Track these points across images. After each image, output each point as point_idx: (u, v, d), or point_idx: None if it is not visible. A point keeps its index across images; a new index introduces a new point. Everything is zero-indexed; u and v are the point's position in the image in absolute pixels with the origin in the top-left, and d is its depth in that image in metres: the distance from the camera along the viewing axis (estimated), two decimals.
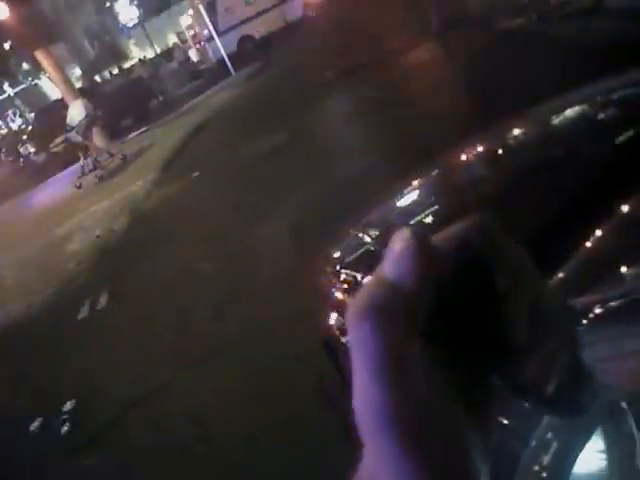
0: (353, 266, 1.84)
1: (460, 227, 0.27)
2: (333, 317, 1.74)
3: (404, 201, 2.14)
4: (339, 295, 1.78)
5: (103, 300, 5.51)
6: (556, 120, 2.04)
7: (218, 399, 3.16)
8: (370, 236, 1.88)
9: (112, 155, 12.21)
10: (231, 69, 16.22)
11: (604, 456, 1.11)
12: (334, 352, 1.72)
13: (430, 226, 1.80)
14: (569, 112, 2.00)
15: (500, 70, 5.35)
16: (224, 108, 12.25)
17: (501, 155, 2.11)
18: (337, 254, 1.96)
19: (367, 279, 1.82)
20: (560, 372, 0.27)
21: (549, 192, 1.60)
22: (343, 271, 1.83)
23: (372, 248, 1.82)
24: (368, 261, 1.80)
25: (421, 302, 0.25)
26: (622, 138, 1.74)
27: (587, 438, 1.07)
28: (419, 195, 2.18)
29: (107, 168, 11.68)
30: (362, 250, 1.88)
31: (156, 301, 4.87)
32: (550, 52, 5.20)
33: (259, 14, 18.81)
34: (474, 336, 0.26)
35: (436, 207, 2.00)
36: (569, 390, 0.27)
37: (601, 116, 1.93)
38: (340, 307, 1.74)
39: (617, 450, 1.11)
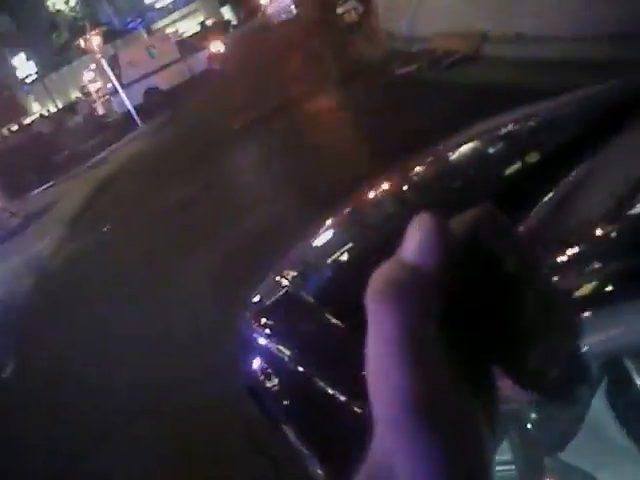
0: (273, 310, 1.85)
1: (470, 214, 0.27)
2: (256, 362, 1.72)
3: (319, 241, 2.19)
4: (261, 340, 1.77)
5: (9, 369, 5.08)
6: (452, 156, 2.20)
7: (146, 462, 2.98)
8: (288, 279, 1.90)
9: (13, 214, 11.52)
10: (138, 121, 16.00)
11: (511, 467, 1.16)
12: (259, 397, 1.70)
13: (348, 263, 1.85)
14: (464, 148, 2.17)
15: (397, 112, 5.75)
16: (132, 160, 12.01)
17: (406, 191, 2.23)
18: (256, 299, 1.96)
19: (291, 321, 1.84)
20: (561, 363, 0.28)
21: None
22: (263, 316, 1.83)
23: (290, 290, 1.84)
24: (287, 304, 1.81)
25: (439, 285, 0.25)
26: (510, 170, 1.91)
27: (494, 448, 1.12)
28: (334, 234, 2.24)
29: (9, 228, 10.98)
30: (281, 293, 1.89)
31: (66, 368, 4.55)
32: (440, 95, 5.72)
33: (164, 67, 18.86)
34: (482, 321, 0.26)
35: (351, 244, 2.07)
36: (568, 380, 0.28)
37: (491, 150, 2.11)
38: (262, 352, 1.73)
39: (523, 459, 1.16)
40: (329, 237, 2.20)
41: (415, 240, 0.25)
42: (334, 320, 1.56)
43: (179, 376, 3.44)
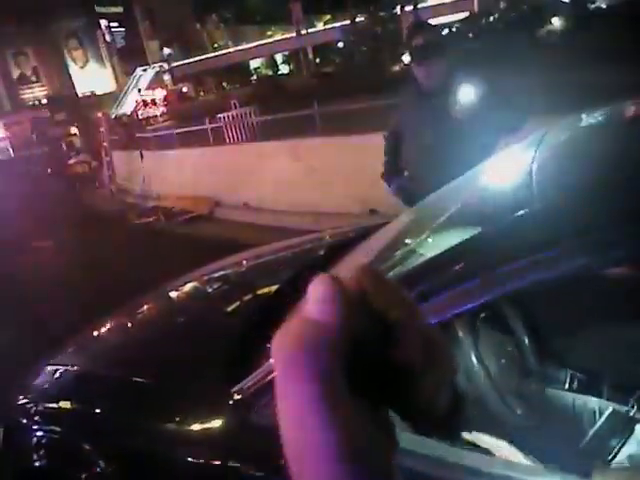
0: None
1: (355, 274, 0.29)
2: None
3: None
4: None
5: None
6: (175, 294, 2.36)
7: None
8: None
9: None
10: None
11: None
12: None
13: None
14: (186, 287, 2.35)
15: (126, 254, 6.13)
16: None
17: (132, 326, 2.26)
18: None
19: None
20: (445, 397, 0.29)
21: (178, 349, 1.78)
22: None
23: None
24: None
25: (344, 338, 0.27)
26: (232, 307, 2.13)
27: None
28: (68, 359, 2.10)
29: None
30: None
31: None
32: (174, 243, 6.32)
33: None
34: (377, 366, 0.28)
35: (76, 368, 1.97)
36: (453, 413, 0.30)
37: (209, 290, 2.34)
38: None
39: None
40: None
41: (316, 298, 0.27)
42: None
43: None
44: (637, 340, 1.24)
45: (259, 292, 2.17)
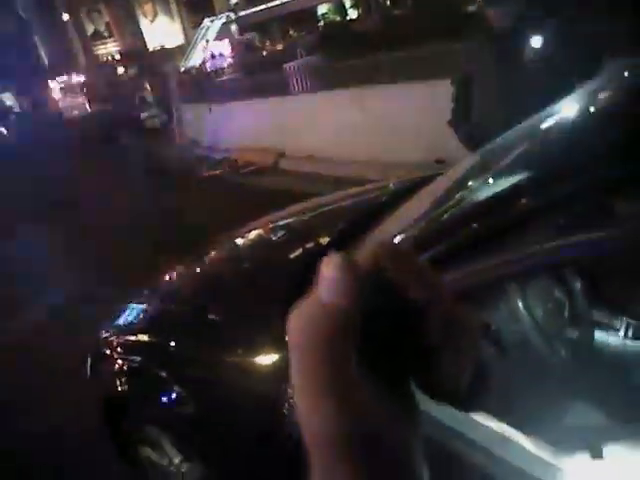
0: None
1: (371, 250, 0.28)
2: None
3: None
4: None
5: None
6: (240, 241, 2.47)
7: None
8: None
9: None
10: None
11: None
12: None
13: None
14: (251, 235, 2.46)
15: (194, 205, 6.34)
16: None
17: (201, 270, 2.40)
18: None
19: None
20: (469, 375, 0.29)
21: (242, 290, 1.89)
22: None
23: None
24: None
25: (356, 321, 0.26)
26: (294, 254, 2.21)
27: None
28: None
29: None
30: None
31: None
32: (242, 194, 6.56)
33: None
34: (396, 345, 0.28)
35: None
36: (476, 391, 0.30)
37: (274, 238, 2.43)
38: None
39: None
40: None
41: (329, 280, 0.26)
42: None
43: None
44: None
45: (320, 240, 2.23)
